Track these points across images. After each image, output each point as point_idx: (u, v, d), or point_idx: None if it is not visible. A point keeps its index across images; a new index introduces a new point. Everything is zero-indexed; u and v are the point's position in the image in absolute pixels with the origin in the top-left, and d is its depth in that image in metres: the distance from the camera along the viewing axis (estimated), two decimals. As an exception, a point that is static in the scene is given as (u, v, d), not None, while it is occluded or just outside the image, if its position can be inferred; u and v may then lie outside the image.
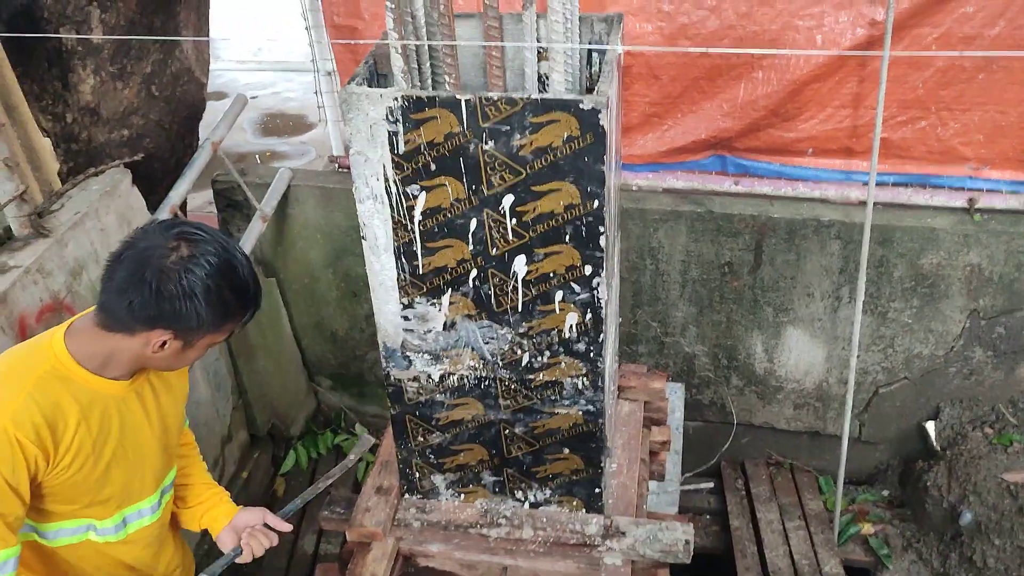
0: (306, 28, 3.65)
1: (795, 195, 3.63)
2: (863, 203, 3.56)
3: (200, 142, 3.59)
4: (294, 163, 5.27)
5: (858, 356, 3.52)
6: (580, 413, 2.28)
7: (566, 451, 2.36)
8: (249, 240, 3.64)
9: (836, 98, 3.39)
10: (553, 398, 2.26)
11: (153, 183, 3.29)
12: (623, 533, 2.40)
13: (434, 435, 2.41)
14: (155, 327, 1.68)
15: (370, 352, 4.30)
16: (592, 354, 2.17)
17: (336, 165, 4.03)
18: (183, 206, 3.70)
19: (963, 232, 3.45)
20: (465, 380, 2.28)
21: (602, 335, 2.13)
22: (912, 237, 3.49)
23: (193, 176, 3.32)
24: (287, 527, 2.21)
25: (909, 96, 3.33)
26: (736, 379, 3.99)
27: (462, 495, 2.52)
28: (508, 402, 2.29)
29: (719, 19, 3.30)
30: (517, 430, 2.34)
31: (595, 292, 2.07)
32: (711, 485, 3.36)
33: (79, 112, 3.07)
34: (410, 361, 2.28)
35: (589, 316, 2.11)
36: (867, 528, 3.80)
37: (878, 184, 3.39)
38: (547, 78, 2.08)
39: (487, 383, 2.27)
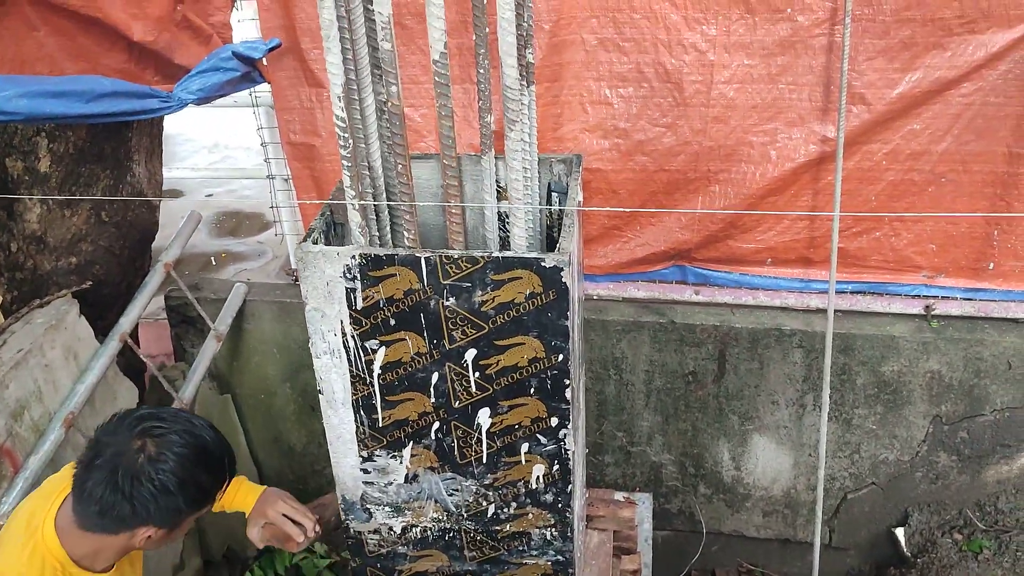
0: (262, 144, 3.62)
1: (756, 303, 3.63)
2: (823, 310, 3.59)
3: (152, 263, 3.50)
4: (251, 264, 5.18)
5: (825, 463, 3.49)
6: (549, 563, 2.20)
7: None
8: (203, 361, 3.53)
9: (793, 210, 3.43)
10: (521, 549, 2.18)
11: (103, 309, 3.19)
12: None
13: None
14: (134, 528, 1.70)
15: (328, 467, 4.15)
16: (560, 504, 2.10)
17: (293, 278, 3.96)
18: (134, 329, 3.60)
19: (922, 340, 3.47)
20: (429, 532, 2.19)
21: (570, 485, 2.07)
22: (873, 345, 3.50)
23: (144, 301, 3.22)
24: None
25: (863, 208, 3.39)
26: (704, 487, 3.93)
27: (427, 645, 2.40)
28: (474, 553, 2.21)
29: (675, 135, 3.34)
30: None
31: (562, 443, 2.01)
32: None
33: (24, 241, 2.98)
34: (370, 514, 2.19)
35: (556, 467, 2.05)
36: (843, 640, 3.71)
37: (837, 292, 3.42)
38: (507, 217, 2.06)
39: (452, 535, 2.18)
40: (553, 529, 2.13)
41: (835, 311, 3.37)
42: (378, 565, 2.26)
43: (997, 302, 3.49)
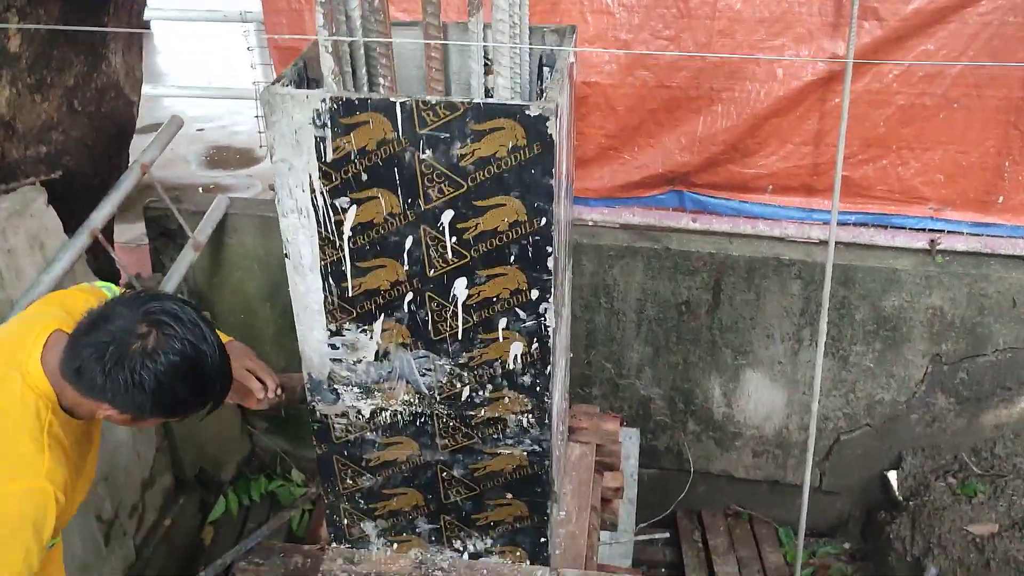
0: (247, 48, 3.48)
1: (754, 232, 3.51)
2: (824, 242, 3.46)
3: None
4: (239, 195, 5.05)
5: (819, 401, 3.38)
6: (524, 454, 2.08)
7: (509, 496, 2.15)
8: (179, 269, 3.40)
9: (797, 134, 3.30)
10: (495, 437, 2.06)
11: (75, 205, 3.05)
12: (571, 588, 2.19)
13: (364, 478, 2.18)
14: (102, 401, 1.63)
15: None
16: (538, 388, 1.98)
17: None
18: (110, 236, 3.47)
19: (925, 274, 3.35)
20: (399, 416, 2.07)
21: (549, 367, 1.95)
22: (874, 278, 3.38)
23: (118, 199, 3.09)
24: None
25: (870, 134, 3.25)
26: (693, 424, 3.82)
27: (395, 544, 2.29)
28: (446, 441, 2.09)
29: (678, 48, 3.20)
30: (455, 472, 2.13)
31: (542, 319, 1.89)
32: (667, 535, 3.16)
33: (-7, 125, 2.84)
34: (338, 395, 2.07)
35: (536, 346, 1.92)
36: (829, 584, 3.62)
37: (840, 223, 3.29)
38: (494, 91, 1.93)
39: (423, 420, 2.07)
40: (530, 415, 2.01)
41: (836, 243, 3.24)
42: (345, 453, 2.14)
43: (1005, 238, 3.36)
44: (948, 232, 3.38)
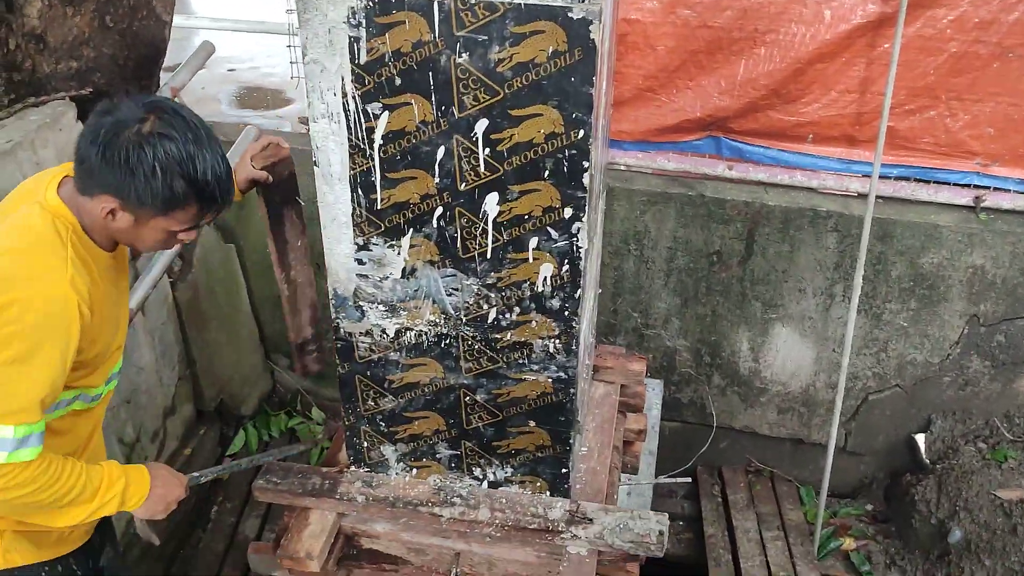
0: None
1: (791, 183, 3.42)
2: (862, 196, 3.37)
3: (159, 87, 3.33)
4: (267, 127, 5.00)
5: (849, 360, 3.30)
6: (549, 381, 2.03)
7: (532, 424, 2.11)
8: (206, 196, 3.37)
9: (842, 81, 3.19)
10: (521, 362, 2.02)
11: (103, 124, 3.02)
12: (590, 520, 2.15)
13: (386, 399, 2.15)
14: (102, 192, 1.60)
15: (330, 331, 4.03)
16: (567, 313, 1.93)
17: (306, 127, 3.78)
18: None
19: (967, 231, 3.25)
20: (424, 337, 2.03)
21: (579, 291, 1.89)
22: (913, 233, 3.28)
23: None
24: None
25: (919, 83, 3.14)
26: (718, 378, 3.76)
27: (414, 470, 2.26)
28: (470, 364, 2.05)
29: (722, -12, 3.10)
30: (479, 397, 2.09)
31: (574, 240, 1.83)
32: (689, 480, 3.10)
33: (23, 38, 2.80)
34: (363, 312, 2.03)
35: (566, 268, 1.87)
36: (848, 543, 3.57)
37: (881, 177, 3.19)
38: None
39: (448, 342, 2.02)
40: (557, 341, 1.96)
41: (876, 197, 3.14)
42: (367, 373, 2.11)
43: (1054, 197, 3.25)
44: (994, 189, 3.27)
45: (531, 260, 1.87)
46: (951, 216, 3.29)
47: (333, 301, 2.03)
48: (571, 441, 2.12)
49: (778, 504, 3.70)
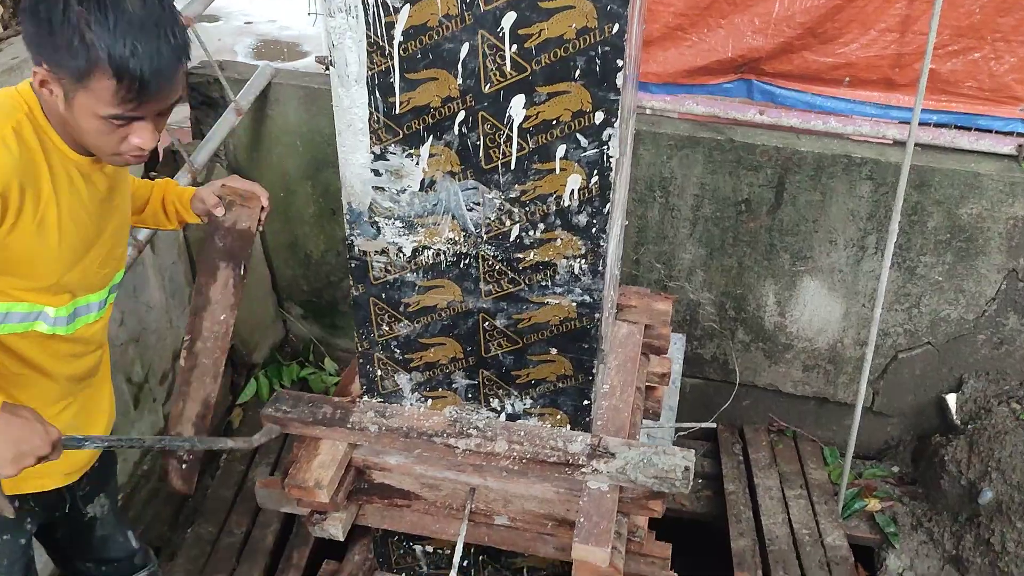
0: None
1: (825, 129, 3.29)
2: (899, 143, 3.23)
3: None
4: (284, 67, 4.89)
5: (880, 315, 3.18)
6: (574, 305, 1.93)
7: (553, 352, 2.01)
8: (220, 131, 3.28)
9: (882, 19, 3.05)
10: (544, 284, 1.91)
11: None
12: (612, 454, 2.05)
13: (401, 324, 2.05)
14: (34, 58, 1.51)
15: (345, 279, 3.92)
16: (594, 229, 1.82)
17: (324, 66, 3.67)
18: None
19: (1010, 180, 3.11)
20: (442, 256, 1.93)
21: (608, 206, 1.78)
22: (952, 182, 3.15)
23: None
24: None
25: (963, 22, 3.00)
26: (743, 333, 3.65)
27: (429, 400, 2.17)
28: (491, 287, 1.94)
29: (759, -82, 2.96)
30: (498, 322, 1.99)
31: (605, 148, 1.72)
32: (714, 426, 2.97)
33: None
34: (379, 229, 1.93)
35: (595, 180, 1.76)
36: (873, 504, 3.46)
37: (920, 123, 3.05)
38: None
39: (467, 261, 1.92)
40: (583, 261, 1.85)
41: (915, 144, 3.00)
42: (382, 296, 2.01)
43: (1102, 146, 3.11)
44: (1039, 137, 3.14)
45: (558, 171, 1.76)
46: (992, 165, 3.15)
47: (348, 216, 1.93)
48: (594, 371, 2.02)
49: (801, 463, 3.59)
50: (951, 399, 3.49)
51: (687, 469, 2.02)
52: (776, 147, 3.24)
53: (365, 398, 2.21)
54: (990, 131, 3.17)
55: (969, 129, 3.19)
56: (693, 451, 2.07)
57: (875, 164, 3.18)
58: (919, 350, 3.50)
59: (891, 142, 3.26)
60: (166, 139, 3.26)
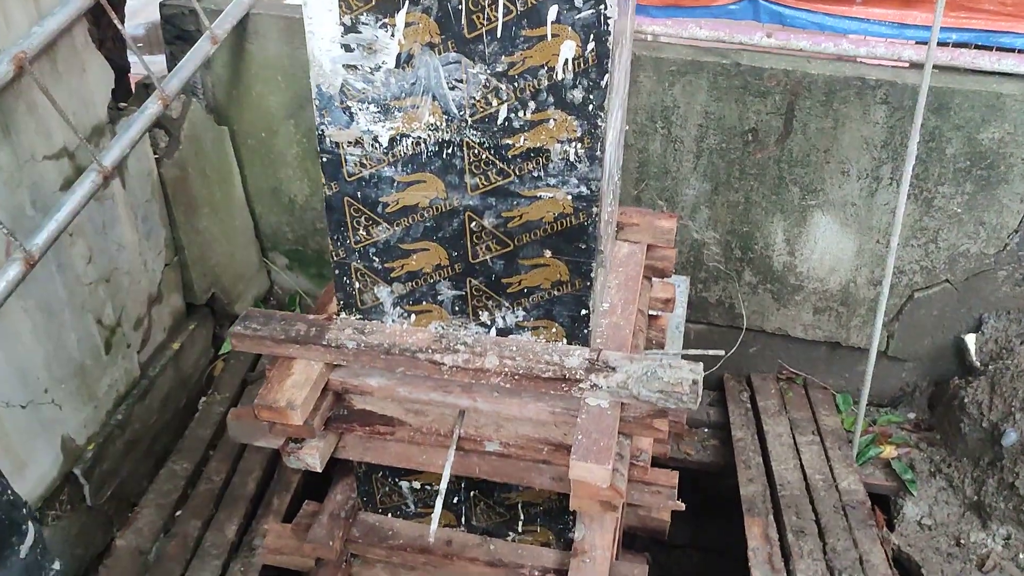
0: None
1: (837, 52, 3.09)
2: (916, 65, 3.04)
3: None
4: None
5: (895, 251, 2.99)
6: (569, 198, 1.74)
7: (548, 254, 1.82)
8: (193, 60, 3.08)
9: (898, -74, 2.85)
10: (536, 175, 1.73)
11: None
12: (612, 368, 1.87)
13: (380, 228, 1.87)
14: None
15: (333, 225, 3.75)
16: (591, 107, 1.63)
17: (306, -4, 3.47)
18: (123, 16, 3.17)
19: (1034, 101, 2.92)
20: (423, 145, 1.74)
21: (606, 77, 1.59)
22: (972, 104, 2.95)
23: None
24: None
25: (986, -73, 2.80)
26: (750, 274, 3.46)
27: (412, 316, 1.98)
28: (477, 180, 1.76)
29: None
30: (487, 222, 1.81)
31: (602, 8, 1.53)
32: (721, 353, 2.76)
33: None
34: (351, 115, 1.74)
35: (591, 47, 1.57)
36: (889, 451, 3.28)
37: (937, 43, 2.85)
38: None
39: (451, 151, 1.73)
40: (579, 145, 1.67)
41: (933, 66, 2.81)
42: (358, 195, 1.83)
43: None
44: (1065, 54, 2.94)
45: (549, 37, 1.57)
46: (1015, 86, 2.95)
47: (317, 103, 1.74)
48: (592, 275, 1.83)
49: (812, 410, 3.41)
50: (970, 339, 3.31)
51: (695, 383, 1.84)
52: (785, 71, 3.04)
53: (343, 315, 2.03)
54: (1013, 50, 2.98)
55: (990, 48, 2.99)
56: (701, 364, 1.89)
57: (890, 86, 2.99)
58: (936, 289, 3.32)
59: (907, 65, 3.07)
60: (128, 41, 3.06)
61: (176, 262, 3.42)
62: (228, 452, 3.11)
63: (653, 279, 2.43)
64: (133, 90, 3.29)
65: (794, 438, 3.24)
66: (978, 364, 3.27)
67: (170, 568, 2.64)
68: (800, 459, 3.12)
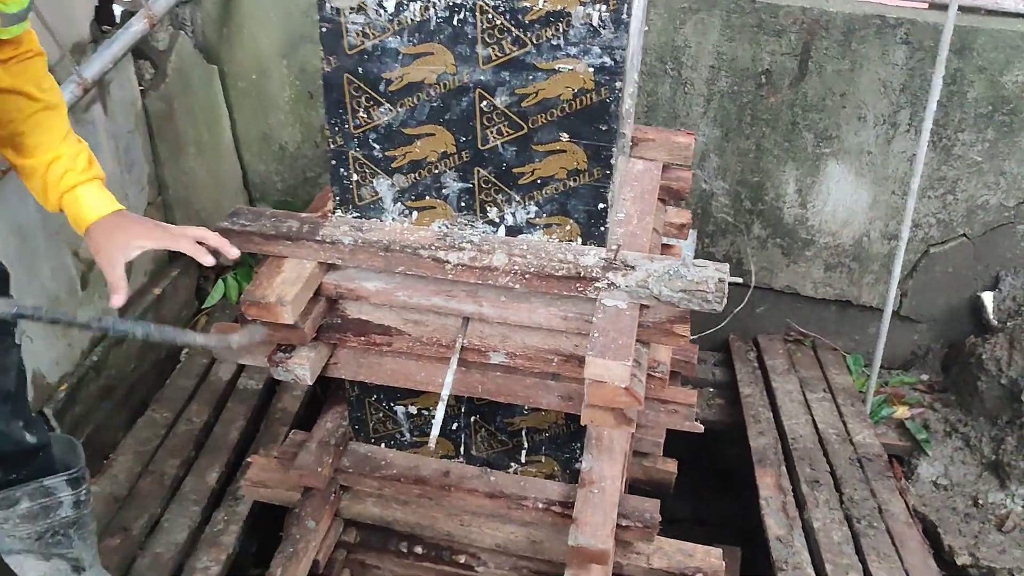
0: None
1: (856, -9, 2.98)
2: (937, 6, 2.93)
3: None
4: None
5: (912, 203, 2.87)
6: (591, 71, 1.60)
7: (564, 138, 1.68)
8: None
9: None
10: (555, 43, 1.58)
11: None
12: (631, 267, 1.72)
13: (382, 109, 1.72)
14: None
15: (324, 175, 3.60)
16: (618, -40, 1.49)
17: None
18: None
19: (1060, 41, 2.81)
20: (431, 11, 1.60)
21: (636, -72, 1.46)
22: (997, 45, 2.84)
23: None
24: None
25: None
26: (759, 227, 3.33)
27: (414, 213, 1.83)
28: (490, 51, 1.61)
29: None
30: (499, 101, 1.66)
31: None
32: (739, 280, 2.60)
33: None
34: (354, -24, 1.60)
35: None
36: (902, 411, 3.15)
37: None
38: None
39: (462, 16, 1.59)
40: (603, 6, 1.53)
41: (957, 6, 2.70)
42: (359, 71, 1.68)
43: None
44: (1092, -5, 2.84)
45: None
46: (1041, 26, 2.85)
47: (318, -39, 1.59)
48: (612, 162, 1.69)
49: (823, 370, 3.28)
50: (987, 297, 3.18)
51: (721, 281, 1.69)
52: (802, 8, 2.92)
53: (338, 213, 1.87)
54: (1038, -10, 2.87)
55: (1015, -12, 2.89)
56: (727, 264, 1.74)
57: (912, 25, 2.87)
58: (953, 243, 3.20)
59: (926, 5, 2.96)
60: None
61: (160, 202, 3.26)
62: (210, 399, 2.94)
63: (667, 206, 2.29)
64: (119, 19, 3.13)
65: (804, 395, 3.10)
66: (995, 323, 3.14)
67: (145, 506, 2.46)
68: (812, 415, 2.98)
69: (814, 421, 2.95)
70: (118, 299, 1.56)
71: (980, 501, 2.85)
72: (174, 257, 3.40)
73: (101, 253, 1.58)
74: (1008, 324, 3.08)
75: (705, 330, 3.46)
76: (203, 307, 3.57)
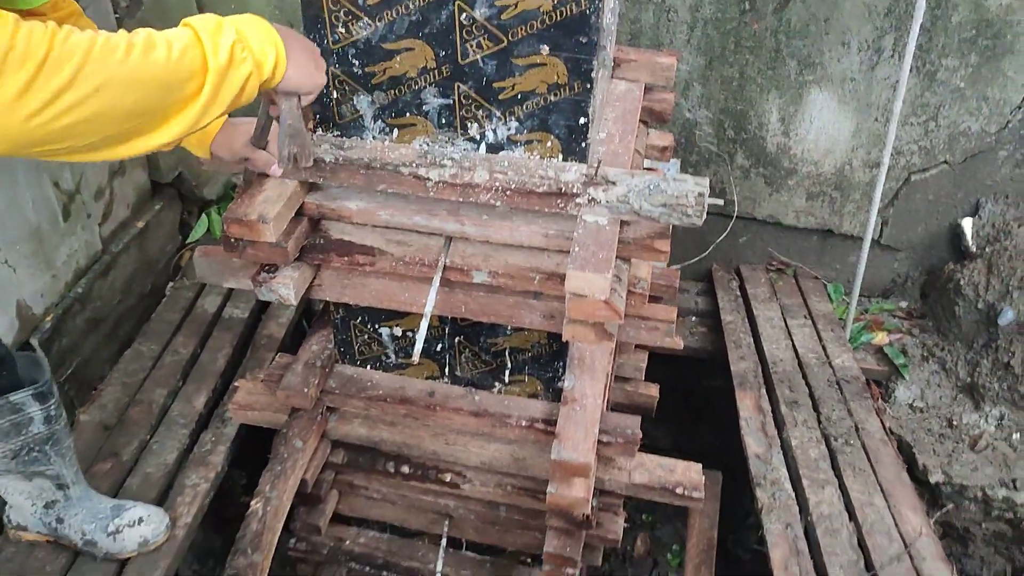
0: None
1: (841, -87, 2.94)
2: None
3: None
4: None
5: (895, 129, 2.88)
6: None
7: (545, 50, 1.67)
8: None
9: None
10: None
11: None
12: (612, 183, 1.73)
13: (361, 23, 1.70)
14: None
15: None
16: None
17: None
18: None
19: (1045, -37, 2.79)
20: (409, -80, 1.57)
21: None
22: (981, -33, 2.83)
23: None
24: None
25: None
26: (742, 156, 3.34)
27: (395, 131, 1.83)
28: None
29: None
30: (478, 13, 1.65)
31: None
32: (721, 202, 2.64)
33: None
34: None
35: None
36: (881, 337, 3.20)
37: None
38: None
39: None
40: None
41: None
42: (337, -16, 1.66)
43: None
44: (1078, -85, 2.81)
45: None
46: (1026, -52, 2.83)
47: None
48: (593, 75, 1.69)
49: (803, 297, 3.32)
50: (967, 223, 3.22)
51: (701, 195, 1.70)
52: (787, -69, 2.89)
53: (319, 132, 1.87)
54: (1024, -89, 2.84)
55: (1001, -91, 2.86)
56: (707, 179, 1.76)
57: (897, -52, 2.85)
58: (934, 171, 3.22)
59: (913, -72, 2.92)
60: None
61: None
62: (196, 330, 2.96)
63: (650, 129, 2.29)
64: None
65: (785, 322, 3.15)
66: (974, 249, 3.18)
67: (134, 432, 2.49)
68: (792, 340, 3.03)
69: (794, 346, 3.00)
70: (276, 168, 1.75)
71: (955, 422, 2.92)
72: (157, 190, 3.38)
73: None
74: (986, 250, 3.12)
75: (688, 260, 3.49)
76: (187, 242, 3.56)
